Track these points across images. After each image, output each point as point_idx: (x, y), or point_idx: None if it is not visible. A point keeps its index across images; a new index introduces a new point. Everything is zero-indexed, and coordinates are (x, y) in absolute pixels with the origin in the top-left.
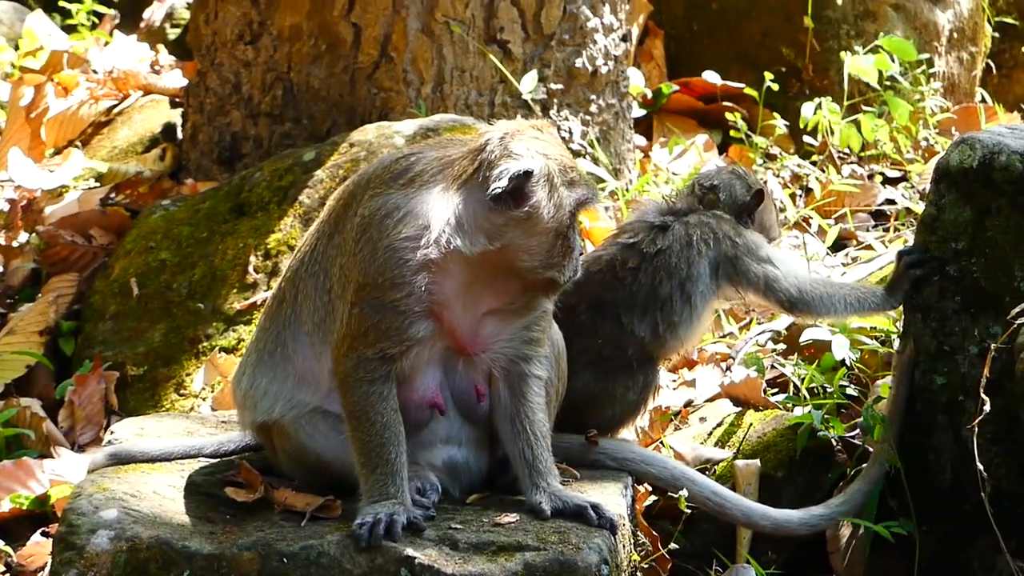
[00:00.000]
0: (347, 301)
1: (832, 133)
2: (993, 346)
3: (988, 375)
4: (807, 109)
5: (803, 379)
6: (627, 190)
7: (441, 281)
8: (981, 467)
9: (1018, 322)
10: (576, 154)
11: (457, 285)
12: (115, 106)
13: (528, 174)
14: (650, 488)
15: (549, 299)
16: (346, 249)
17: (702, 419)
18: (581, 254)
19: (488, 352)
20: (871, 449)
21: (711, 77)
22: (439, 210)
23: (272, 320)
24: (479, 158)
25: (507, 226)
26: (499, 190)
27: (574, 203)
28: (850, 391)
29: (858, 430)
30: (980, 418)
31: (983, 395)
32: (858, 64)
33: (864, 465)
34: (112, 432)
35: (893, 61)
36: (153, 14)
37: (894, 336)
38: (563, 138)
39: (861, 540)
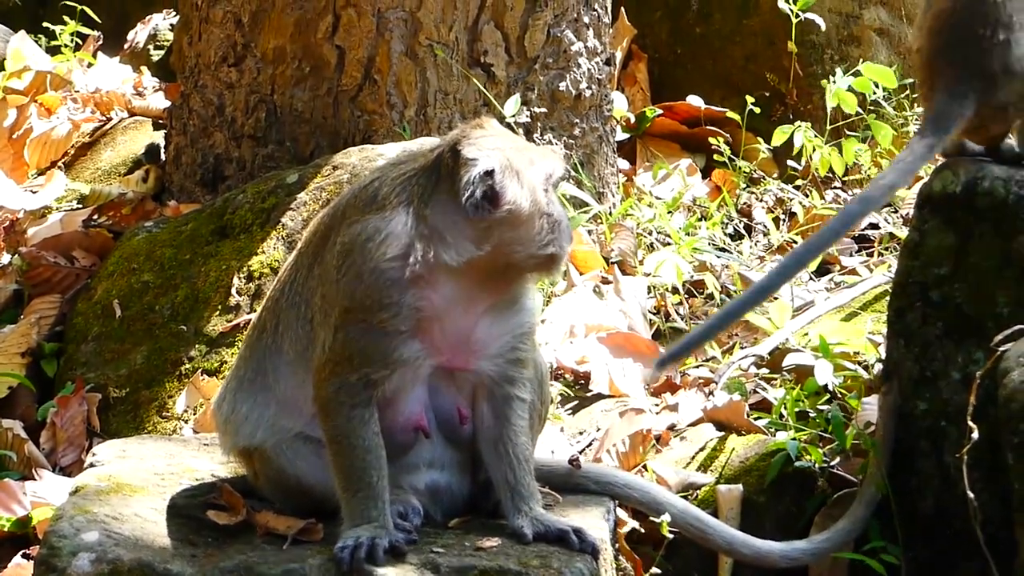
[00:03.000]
0: (330, 327)
1: (812, 157)
2: (978, 374)
3: (975, 394)
4: (782, 132)
5: (784, 403)
6: (610, 214)
7: (429, 295)
8: (972, 495)
9: (1001, 348)
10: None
11: (446, 296)
12: (98, 127)
13: (490, 172)
14: (632, 512)
15: (553, 275)
16: (328, 278)
17: (684, 441)
18: (568, 219)
19: (474, 369)
20: (850, 477)
21: (695, 101)
22: (416, 228)
23: (252, 349)
24: (438, 170)
25: (491, 228)
26: (474, 199)
27: (543, 179)
28: (833, 415)
29: (838, 458)
30: (968, 447)
31: (971, 423)
32: (840, 93)
33: (845, 491)
34: (94, 454)
35: (876, 87)
36: (136, 36)
37: (876, 362)
38: None
39: (843, 565)
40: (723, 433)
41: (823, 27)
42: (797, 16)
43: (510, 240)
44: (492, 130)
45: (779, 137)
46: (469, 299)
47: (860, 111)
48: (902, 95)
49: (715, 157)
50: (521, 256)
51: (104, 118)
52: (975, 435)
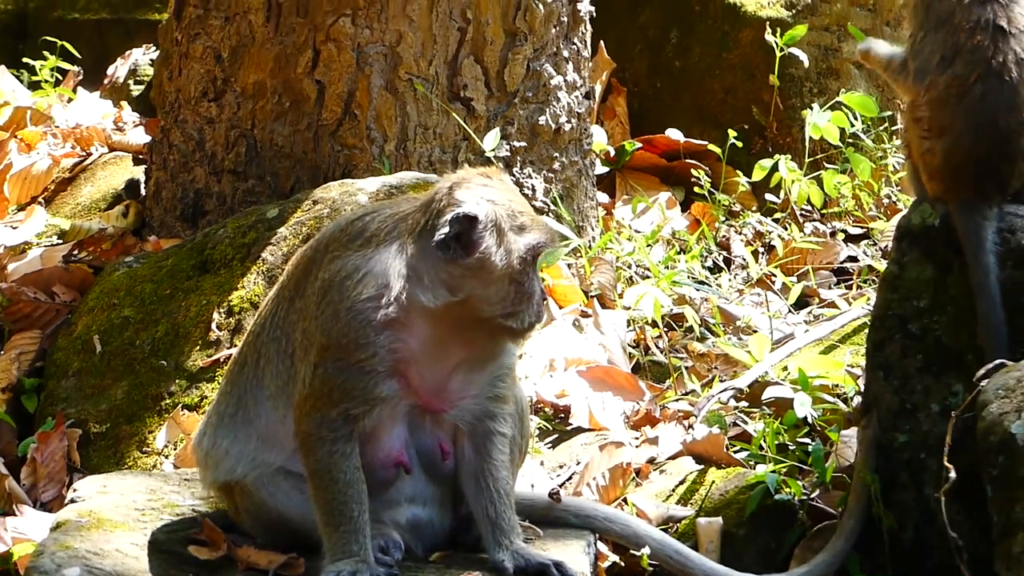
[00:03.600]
0: (310, 363)
1: (791, 190)
2: (954, 412)
3: (951, 433)
4: (762, 167)
5: (764, 436)
6: (590, 247)
7: (406, 338)
8: (954, 535)
9: (982, 383)
10: (539, 211)
11: (423, 340)
12: (79, 163)
13: (472, 220)
14: (613, 546)
15: (518, 345)
16: (308, 313)
17: (664, 474)
18: (544, 299)
19: (454, 409)
20: (830, 509)
21: (674, 134)
22: (397, 267)
23: (233, 384)
24: (429, 209)
25: (464, 277)
26: (442, 236)
27: (525, 249)
28: (813, 448)
29: (818, 491)
30: (946, 487)
31: (947, 463)
32: (819, 125)
33: (825, 523)
34: (75, 490)
35: (856, 119)
36: (117, 71)
37: (855, 394)
38: (526, 195)
39: None
40: (703, 466)
41: (806, 62)
42: (781, 50)
43: (479, 295)
44: (495, 184)
45: (760, 172)
46: (445, 346)
47: (839, 144)
48: (880, 127)
49: (695, 190)
50: (486, 315)
51: (84, 153)
52: (952, 475)
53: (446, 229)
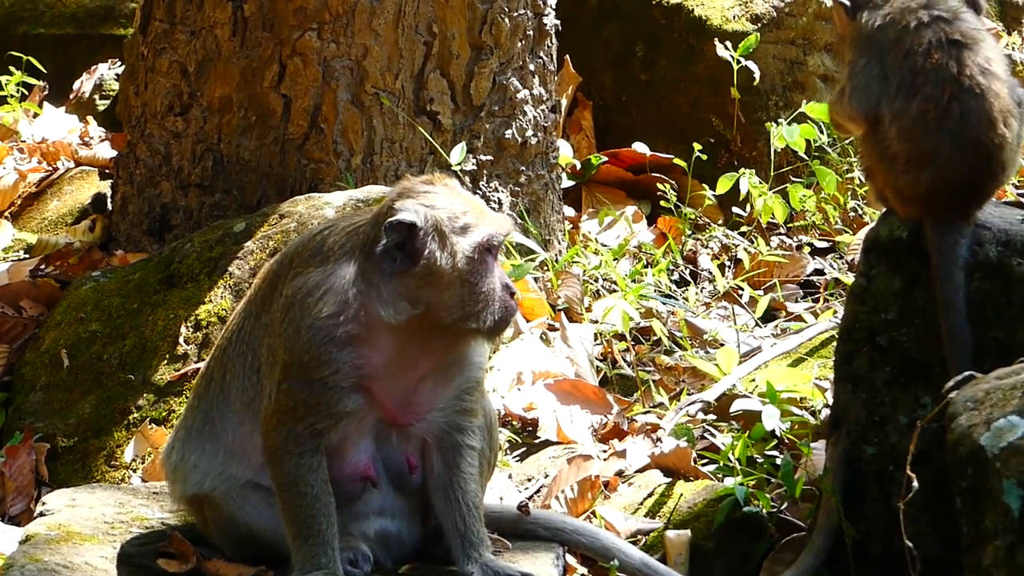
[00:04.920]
0: (275, 379)
1: (756, 204)
2: (919, 422)
3: (919, 445)
4: (727, 180)
5: (732, 449)
6: (557, 261)
7: (369, 354)
8: (910, 544)
9: (950, 394)
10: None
11: (387, 355)
12: (45, 177)
13: (411, 227)
14: (581, 559)
15: (492, 344)
16: (273, 329)
17: (632, 487)
18: (512, 294)
19: (422, 422)
20: (798, 522)
21: (640, 148)
22: (355, 283)
23: (200, 399)
24: (376, 222)
25: (418, 287)
26: (382, 247)
27: (471, 247)
28: (781, 461)
29: (786, 503)
30: (907, 496)
31: (909, 472)
32: (784, 134)
33: (794, 535)
34: (44, 503)
35: (822, 131)
36: (82, 86)
37: (824, 407)
38: (492, 208)
39: None
40: (671, 479)
41: (757, 76)
42: (738, 62)
43: (437, 303)
44: (438, 189)
45: (724, 185)
46: (411, 359)
47: (804, 157)
48: (847, 140)
49: (661, 204)
50: (448, 322)
51: (51, 168)
52: (915, 484)
53: (384, 239)
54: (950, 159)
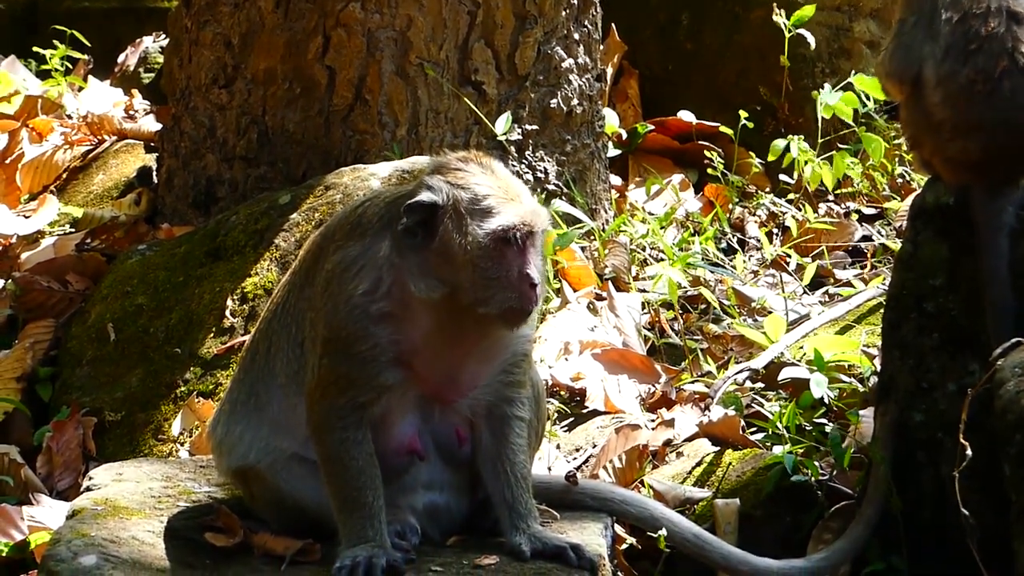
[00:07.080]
0: (317, 353)
1: (804, 171)
2: (970, 390)
3: (967, 412)
4: (776, 148)
5: (780, 417)
6: (603, 230)
7: (407, 330)
8: (966, 513)
9: (999, 362)
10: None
11: (425, 332)
12: (90, 151)
13: (431, 206)
14: (630, 528)
15: (513, 332)
16: (315, 303)
17: (680, 456)
18: (533, 286)
19: (466, 399)
20: (847, 490)
21: (686, 116)
22: (389, 257)
23: (246, 372)
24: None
25: (439, 265)
26: (403, 225)
27: (485, 234)
28: (828, 429)
29: (835, 471)
30: (961, 466)
31: (963, 441)
32: (829, 104)
33: (843, 504)
34: (91, 478)
35: (868, 99)
36: (127, 59)
37: (871, 374)
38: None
39: None
40: (719, 448)
41: (812, 43)
42: (789, 31)
43: (454, 283)
44: (471, 167)
45: (773, 153)
46: (451, 336)
47: (851, 124)
48: (892, 105)
49: (707, 172)
50: (466, 303)
51: (96, 141)
52: (968, 453)
53: (405, 218)
54: (995, 131)
